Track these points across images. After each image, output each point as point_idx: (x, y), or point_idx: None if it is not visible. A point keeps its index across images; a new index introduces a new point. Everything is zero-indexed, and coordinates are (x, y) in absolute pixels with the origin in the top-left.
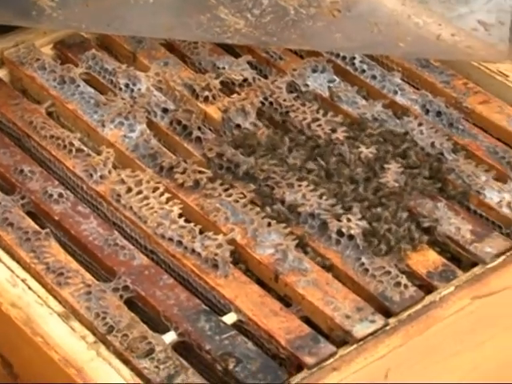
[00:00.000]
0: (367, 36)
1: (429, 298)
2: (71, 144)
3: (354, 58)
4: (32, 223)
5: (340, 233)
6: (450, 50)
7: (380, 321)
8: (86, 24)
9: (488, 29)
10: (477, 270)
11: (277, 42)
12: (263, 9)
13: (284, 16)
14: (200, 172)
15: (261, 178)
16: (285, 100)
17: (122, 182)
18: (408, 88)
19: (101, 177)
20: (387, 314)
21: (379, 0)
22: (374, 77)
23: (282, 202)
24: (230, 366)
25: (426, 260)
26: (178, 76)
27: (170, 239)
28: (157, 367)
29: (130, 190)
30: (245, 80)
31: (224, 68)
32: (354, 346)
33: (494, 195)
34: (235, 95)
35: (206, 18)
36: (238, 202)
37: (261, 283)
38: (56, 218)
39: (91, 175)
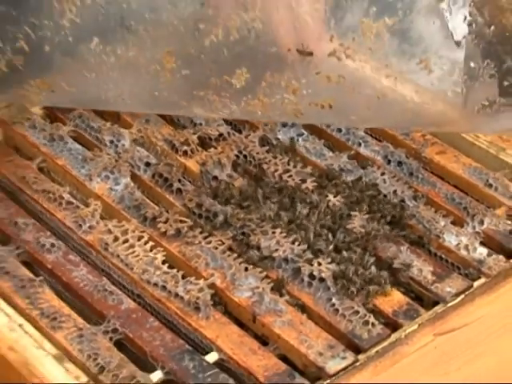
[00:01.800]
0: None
1: (395, 336)
2: (61, 197)
3: None
4: (27, 271)
5: (312, 276)
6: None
7: (350, 357)
8: (71, 105)
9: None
10: (438, 308)
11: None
12: (232, 111)
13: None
14: (181, 221)
15: (237, 226)
16: (258, 153)
17: (109, 231)
18: (371, 140)
19: (89, 227)
20: (357, 350)
21: (343, 101)
22: (339, 130)
23: (258, 248)
24: None
25: (392, 300)
26: (158, 132)
27: (155, 284)
28: None
29: (116, 239)
30: (220, 135)
31: (201, 124)
32: (327, 381)
33: (452, 238)
34: (212, 149)
35: (181, 112)
36: (217, 248)
37: (240, 324)
38: (49, 266)
39: (80, 226)
